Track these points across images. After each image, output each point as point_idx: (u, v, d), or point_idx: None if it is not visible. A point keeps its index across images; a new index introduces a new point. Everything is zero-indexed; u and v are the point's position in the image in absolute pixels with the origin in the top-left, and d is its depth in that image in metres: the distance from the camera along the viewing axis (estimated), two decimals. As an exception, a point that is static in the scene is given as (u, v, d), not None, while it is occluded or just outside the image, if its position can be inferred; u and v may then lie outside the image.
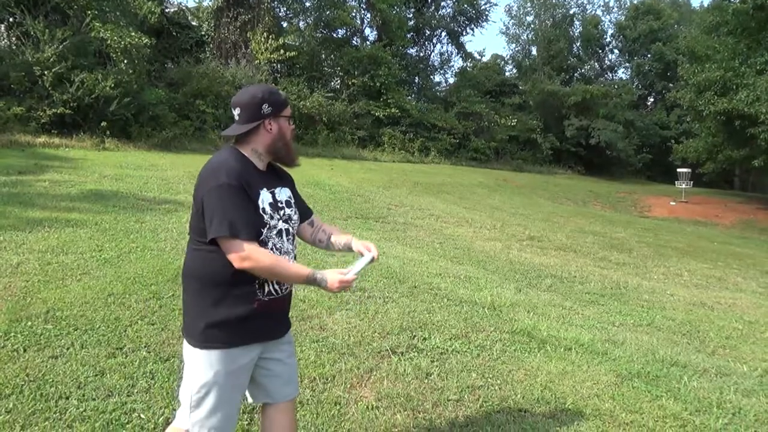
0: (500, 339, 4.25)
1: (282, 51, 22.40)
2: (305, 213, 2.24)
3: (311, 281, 1.91)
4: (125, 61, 15.17)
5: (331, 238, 2.25)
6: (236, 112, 1.97)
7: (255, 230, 1.87)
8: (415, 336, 4.13)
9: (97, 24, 14.83)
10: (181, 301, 2.11)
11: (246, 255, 1.80)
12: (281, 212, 2.01)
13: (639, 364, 4.02)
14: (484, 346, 4.07)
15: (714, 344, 4.94)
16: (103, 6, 15.84)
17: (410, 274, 6.08)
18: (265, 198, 1.94)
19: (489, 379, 3.51)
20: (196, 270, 1.93)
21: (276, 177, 2.08)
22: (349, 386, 3.26)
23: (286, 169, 2.18)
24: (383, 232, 8.88)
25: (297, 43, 24.95)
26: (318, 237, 2.26)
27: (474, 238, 9.49)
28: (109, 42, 14.91)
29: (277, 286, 1.98)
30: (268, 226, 1.93)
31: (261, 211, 1.91)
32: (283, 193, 2.06)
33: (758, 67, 20.88)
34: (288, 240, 2.03)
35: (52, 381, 2.99)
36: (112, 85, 14.18)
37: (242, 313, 1.90)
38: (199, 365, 1.91)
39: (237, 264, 1.82)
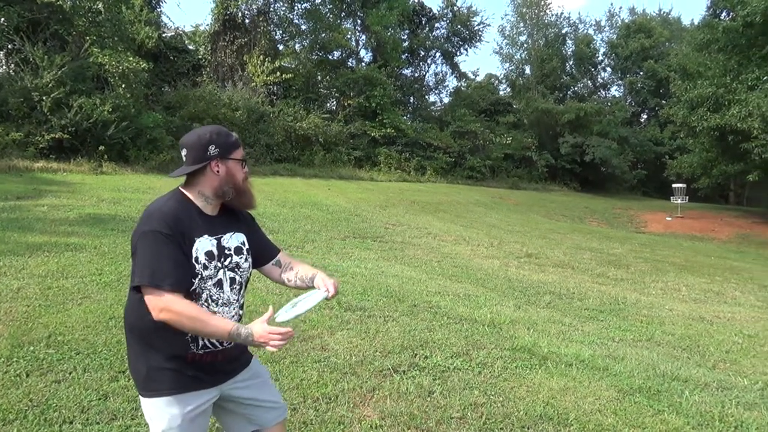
0: (501, 356, 4.26)
1: (278, 73, 22.68)
2: (268, 254, 2.12)
3: (235, 337, 1.72)
4: (123, 86, 15.33)
5: (298, 275, 2.09)
6: (183, 152, 1.88)
7: (182, 281, 1.76)
8: (416, 354, 4.14)
9: (96, 49, 15.03)
10: None
11: (165, 306, 1.69)
12: (228, 260, 1.90)
13: (640, 379, 4.03)
14: (486, 364, 4.08)
15: (714, 358, 4.95)
16: (102, 32, 16.06)
17: (409, 292, 6.09)
18: (201, 246, 1.82)
19: (491, 397, 3.52)
20: (131, 317, 1.85)
21: (229, 221, 1.97)
22: (352, 405, 3.26)
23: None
24: (381, 252, 8.91)
25: (293, 66, 25.26)
26: (286, 276, 2.11)
27: (472, 256, 9.52)
28: (107, 67, 15.10)
29: (214, 340, 1.85)
30: (200, 276, 1.81)
31: (194, 261, 1.79)
32: (234, 239, 1.95)
33: (749, 83, 21.16)
34: (233, 290, 1.91)
35: (56, 406, 2.99)
36: (110, 110, 14.32)
37: (177, 364, 1.81)
38: (153, 414, 1.84)
39: (155, 315, 1.71)
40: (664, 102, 37.77)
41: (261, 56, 22.96)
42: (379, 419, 3.12)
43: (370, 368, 3.81)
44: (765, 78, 21.11)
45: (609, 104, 40.03)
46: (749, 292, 8.86)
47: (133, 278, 1.76)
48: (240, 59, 23.57)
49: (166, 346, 1.79)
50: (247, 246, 2.00)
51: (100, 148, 14.04)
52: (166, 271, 1.71)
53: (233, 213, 2.00)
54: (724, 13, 25.67)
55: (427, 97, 35.64)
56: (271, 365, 3.65)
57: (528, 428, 3.16)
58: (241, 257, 1.96)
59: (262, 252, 2.09)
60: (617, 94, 46.39)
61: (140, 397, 1.88)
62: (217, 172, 1.87)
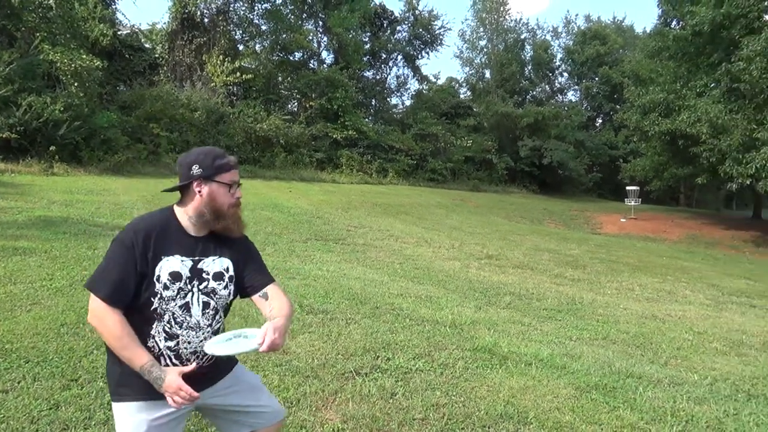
0: (462, 357, 4.30)
1: (238, 74, 22.39)
2: (255, 285, 1.99)
3: (145, 374, 1.71)
4: (75, 84, 14.85)
5: (272, 312, 1.95)
6: (177, 169, 1.91)
7: (119, 297, 1.73)
8: (378, 356, 4.14)
9: (46, 46, 14.52)
10: None
11: (97, 314, 1.72)
12: (203, 284, 1.85)
13: (596, 376, 4.14)
14: (447, 364, 4.11)
15: (666, 355, 5.11)
16: (53, 28, 15.53)
17: (372, 295, 6.09)
18: (166, 266, 1.78)
19: (453, 397, 3.55)
20: None
21: (215, 244, 1.91)
22: (314, 409, 3.24)
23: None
24: (343, 254, 8.88)
25: (253, 66, 24.96)
26: (266, 312, 1.98)
27: (433, 258, 9.58)
28: (58, 65, 14.59)
29: (176, 361, 1.82)
30: (160, 295, 1.77)
31: (155, 279, 1.77)
32: (217, 264, 1.90)
33: (698, 90, 21.98)
34: (205, 315, 1.86)
35: (3, 417, 2.86)
36: (62, 109, 13.87)
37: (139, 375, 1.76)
38: (119, 418, 1.83)
39: (88, 318, 1.75)
40: (618, 107, 38.79)
41: (220, 56, 22.61)
42: (341, 422, 3.11)
43: (332, 371, 3.79)
44: (712, 85, 21.95)
45: (566, 108, 40.98)
46: (699, 290, 9.20)
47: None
48: (199, 59, 23.15)
49: None
50: (231, 273, 1.93)
51: (51, 149, 13.57)
52: (107, 281, 1.73)
53: (224, 237, 1.93)
54: (674, 22, 26.64)
55: (388, 99, 35.80)
56: (231, 370, 3.59)
57: (489, 427, 3.20)
58: (220, 284, 1.90)
59: (248, 283, 1.99)
60: (574, 99, 47.59)
61: (112, 402, 1.87)
62: (199, 192, 1.84)
